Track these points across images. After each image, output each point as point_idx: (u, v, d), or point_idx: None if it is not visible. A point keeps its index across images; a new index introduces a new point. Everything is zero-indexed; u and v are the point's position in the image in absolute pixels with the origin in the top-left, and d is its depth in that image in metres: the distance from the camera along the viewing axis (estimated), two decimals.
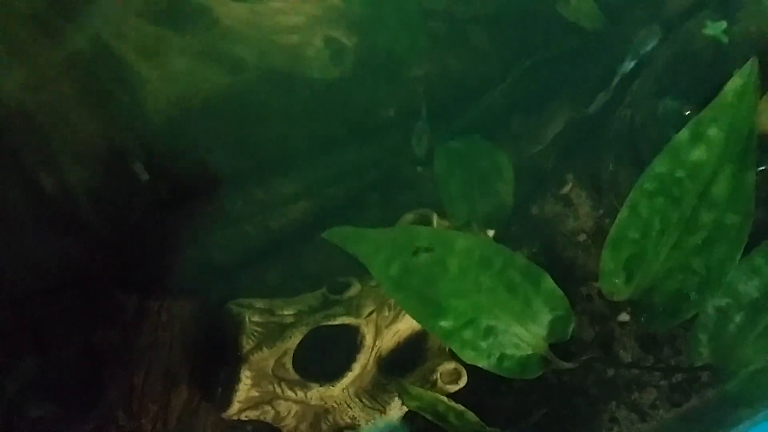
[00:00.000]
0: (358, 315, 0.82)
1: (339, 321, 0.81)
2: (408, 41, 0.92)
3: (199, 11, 0.83)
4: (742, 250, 0.62)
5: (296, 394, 0.78)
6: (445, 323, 0.64)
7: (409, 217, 0.88)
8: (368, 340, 0.82)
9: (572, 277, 0.91)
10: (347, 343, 0.82)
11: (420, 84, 0.97)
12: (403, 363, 0.86)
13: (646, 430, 0.84)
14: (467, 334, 0.64)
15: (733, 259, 0.62)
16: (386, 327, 0.84)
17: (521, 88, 0.98)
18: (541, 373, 0.66)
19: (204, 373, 0.82)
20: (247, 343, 0.79)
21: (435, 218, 0.87)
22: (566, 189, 0.98)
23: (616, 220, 0.64)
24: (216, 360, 0.82)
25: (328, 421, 0.81)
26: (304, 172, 0.98)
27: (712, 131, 0.60)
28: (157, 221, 0.86)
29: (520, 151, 0.97)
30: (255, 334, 0.80)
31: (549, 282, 0.66)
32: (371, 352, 0.82)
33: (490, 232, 0.87)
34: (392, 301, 0.84)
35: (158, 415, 0.79)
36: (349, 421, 0.81)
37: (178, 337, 0.81)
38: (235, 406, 0.79)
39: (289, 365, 0.79)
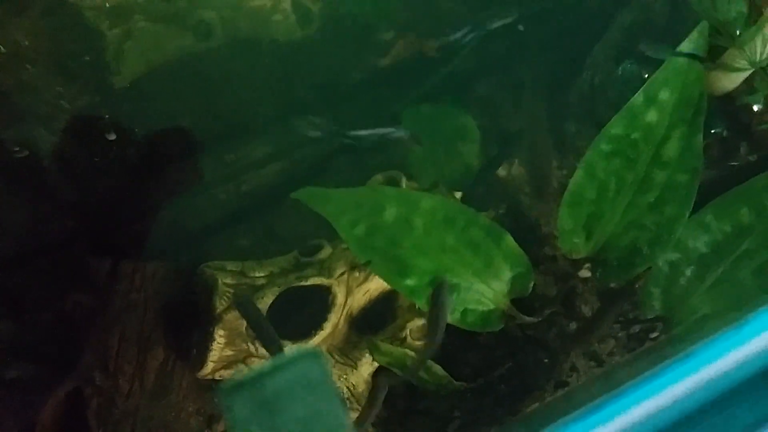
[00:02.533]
0: (329, 275, 0.84)
1: (310, 282, 0.83)
2: (373, 5, 0.93)
3: None
4: (691, 207, 0.65)
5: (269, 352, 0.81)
6: (410, 281, 0.66)
7: (379, 178, 0.90)
8: (339, 299, 0.84)
9: (537, 237, 0.94)
10: (319, 302, 0.84)
11: (387, 47, 0.98)
12: (374, 321, 0.89)
13: (601, 373, 0.88)
14: (429, 292, 0.67)
15: (683, 216, 0.65)
16: (357, 287, 0.86)
17: (488, 51, 0.99)
18: (502, 327, 0.69)
19: (178, 334, 0.84)
20: (219, 304, 0.81)
21: (404, 180, 0.89)
22: (538, 149, 1.00)
23: (572, 181, 0.67)
24: (190, 321, 0.84)
25: None
26: (274, 135, 0.99)
27: (664, 94, 0.63)
28: (128, 185, 0.87)
29: (487, 113, 0.99)
30: (227, 295, 0.82)
31: (510, 241, 0.69)
32: (342, 310, 0.85)
33: (458, 194, 0.89)
34: None
35: (134, 375, 0.81)
36: None
37: (151, 299, 0.83)
38: (209, 366, 0.81)
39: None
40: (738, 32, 0.61)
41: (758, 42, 0.59)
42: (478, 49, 0.98)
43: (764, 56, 0.61)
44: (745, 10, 0.60)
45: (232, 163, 0.98)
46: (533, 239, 0.95)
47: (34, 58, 0.86)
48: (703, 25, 0.62)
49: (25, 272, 0.83)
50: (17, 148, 0.79)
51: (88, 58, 0.86)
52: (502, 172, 0.99)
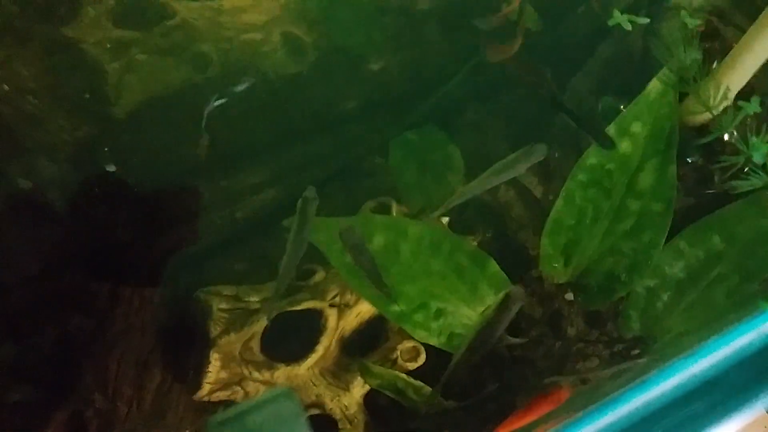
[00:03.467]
0: (322, 299, 0.87)
1: (303, 306, 0.86)
2: (363, 37, 0.96)
3: (162, 12, 0.86)
4: (666, 234, 0.68)
5: (263, 374, 0.83)
6: (397, 307, 0.69)
7: (370, 204, 0.93)
8: (331, 322, 0.87)
9: (523, 260, 0.97)
10: (312, 325, 0.87)
11: (378, 77, 1.02)
12: (365, 343, 0.91)
13: (584, 389, 0.90)
14: (419, 316, 0.70)
15: (658, 244, 0.68)
16: (349, 310, 0.89)
17: (474, 80, 1.03)
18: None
19: (175, 357, 0.87)
20: (214, 329, 0.84)
21: (394, 205, 0.92)
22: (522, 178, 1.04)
23: (553, 209, 0.70)
24: (186, 344, 0.86)
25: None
26: (269, 162, 1.02)
27: (636, 127, 0.66)
28: (127, 212, 0.90)
29: (474, 139, 1.02)
30: (222, 319, 0.85)
31: (493, 266, 0.72)
32: (334, 333, 0.88)
33: (445, 219, 0.92)
34: None
35: (133, 397, 0.84)
36: (314, 398, 0.86)
37: (149, 323, 0.86)
38: (206, 388, 0.84)
39: (256, 348, 0.84)
40: (694, 77, 0.64)
41: (711, 88, 0.63)
42: (466, 80, 1.01)
43: (717, 101, 0.64)
44: (699, 57, 0.63)
45: (227, 189, 1.01)
46: (520, 262, 0.98)
47: (37, 91, 0.89)
48: (664, 72, 0.65)
49: (27, 297, 0.85)
50: (21, 179, 0.82)
51: (88, 91, 0.89)
52: (487, 197, 1.02)
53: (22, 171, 0.84)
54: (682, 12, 0.70)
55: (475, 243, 0.91)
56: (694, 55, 0.62)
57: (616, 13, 0.65)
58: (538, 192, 1.02)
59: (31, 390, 0.82)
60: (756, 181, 0.59)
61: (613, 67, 0.86)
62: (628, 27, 0.64)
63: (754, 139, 0.58)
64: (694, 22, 0.66)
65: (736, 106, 0.71)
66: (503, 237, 1.01)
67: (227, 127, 1.01)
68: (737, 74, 0.65)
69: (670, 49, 0.64)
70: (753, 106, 0.64)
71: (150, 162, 0.95)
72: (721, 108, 0.66)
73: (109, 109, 0.92)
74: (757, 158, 0.58)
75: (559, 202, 0.70)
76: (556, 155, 1.01)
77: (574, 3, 0.96)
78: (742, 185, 0.60)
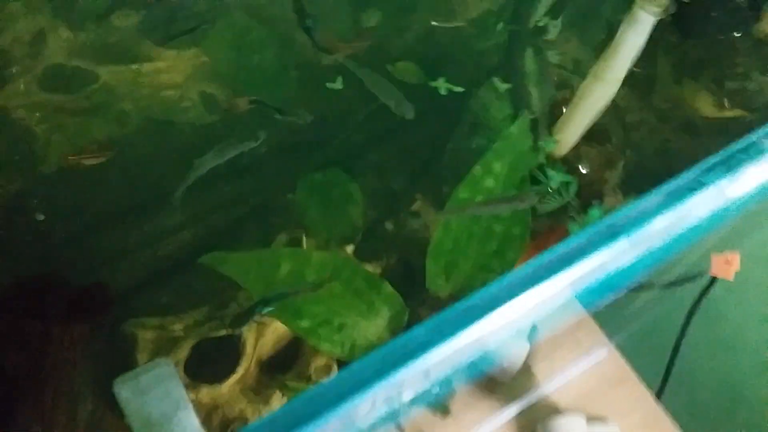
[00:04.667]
0: (238, 328, 0.97)
1: (222, 333, 0.96)
2: (271, 90, 1.08)
3: (85, 77, 0.96)
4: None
5: (188, 395, 0.92)
6: (303, 323, 0.80)
7: (283, 237, 1.04)
8: (249, 347, 0.97)
9: (417, 279, 1.09)
10: (231, 349, 0.97)
11: (287, 125, 1.13)
12: (283, 361, 1.01)
13: None
14: (323, 331, 0.81)
15: (518, 260, 0.81)
16: (266, 332, 0.99)
17: (373, 125, 1.16)
18: None
19: (106, 386, 0.94)
20: (141, 357, 0.92)
21: (304, 238, 1.03)
22: (416, 206, 1.17)
23: (434, 236, 0.83)
24: (115, 374, 0.94)
25: (218, 415, 0.95)
26: (186, 205, 1.12)
27: (497, 165, 0.80)
28: (56, 256, 0.98)
29: (375, 176, 1.15)
30: (148, 348, 0.93)
31: (387, 287, 0.84)
32: (252, 356, 0.97)
33: (349, 248, 1.04)
34: None
35: (67, 425, 0.91)
36: (237, 413, 0.95)
37: (80, 356, 0.93)
38: None
39: (181, 372, 0.93)
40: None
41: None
42: (365, 124, 1.14)
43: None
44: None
45: (149, 232, 1.10)
46: (419, 282, 1.10)
47: None
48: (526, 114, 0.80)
49: None
50: None
51: (18, 152, 0.98)
52: (390, 226, 1.15)
53: None
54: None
55: (379, 268, 1.04)
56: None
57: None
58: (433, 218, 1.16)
59: None
60: (554, 203, 0.74)
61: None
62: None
63: (551, 171, 0.73)
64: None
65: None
66: (406, 261, 1.13)
67: (146, 176, 1.10)
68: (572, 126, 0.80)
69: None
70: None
71: (77, 211, 1.03)
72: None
73: (39, 167, 1.01)
74: (553, 184, 0.73)
75: (438, 230, 0.83)
76: (446, 190, 1.15)
77: None
78: (545, 207, 0.75)
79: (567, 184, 0.79)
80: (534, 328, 1.12)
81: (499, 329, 0.42)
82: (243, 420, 0.96)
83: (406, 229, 1.16)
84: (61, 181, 1.01)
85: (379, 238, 1.14)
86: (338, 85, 1.20)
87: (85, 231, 1.02)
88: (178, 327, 0.96)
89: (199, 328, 0.97)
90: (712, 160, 0.40)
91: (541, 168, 0.76)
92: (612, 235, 0.40)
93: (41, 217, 0.94)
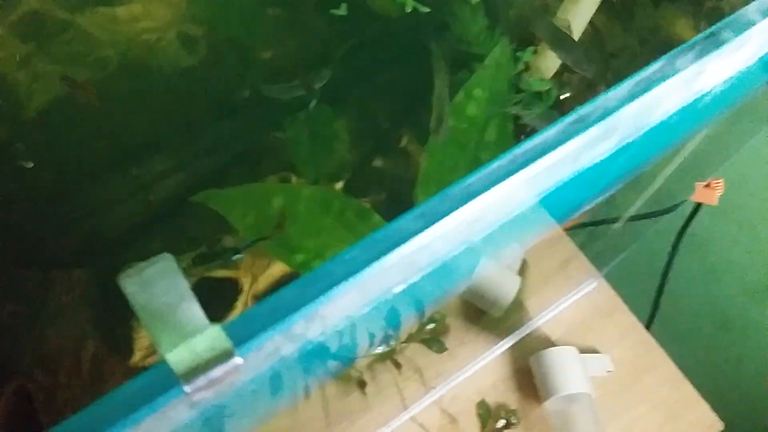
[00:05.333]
0: (235, 268, 0.99)
1: (218, 274, 0.98)
2: (249, 30, 1.08)
3: (62, 24, 0.95)
4: None
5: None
6: (298, 257, 0.82)
7: (273, 179, 1.05)
8: (245, 287, 0.99)
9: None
10: (227, 291, 0.99)
11: (268, 65, 1.13)
12: None
13: None
14: (316, 264, 0.83)
15: None
16: (261, 274, 1.01)
17: (354, 61, 1.16)
18: None
19: (107, 329, 0.97)
20: None
21: (294, 178, 1.04)
22: (403, 143, 1.18)
23: (422, 164, 0.84)
24: (115, 317, 0.96)
25: None
26: (174, 150, 1.12)
27: (478, 92, 0.81)
28: (47, 204, 0.99)
29: (359, 113, 1.15)
30: None
31: (378, 219, 0.86)
32: (247, 296, 1.00)
33: (338, 186, 1.05)
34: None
35: (71, 369, 0.93)
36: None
37: (80, 301, 0.95)
38: (137, 354, 0.94)
39: None
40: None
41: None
42: (346, 61, 1.14)
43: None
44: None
45: (138, 178, 1.11)
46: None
47: None
48: (503, 43, 0.81)
49: None
50: None
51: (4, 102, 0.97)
52: (377, 163, 1.16)
53: None
54: None
55: (368, 204, 1.05)
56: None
57: None
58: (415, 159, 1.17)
59: None
60: (537, 110, 0.75)
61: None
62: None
63: (529, 79, 0.74)
64: None
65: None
66: (395, 198, 1.15)
67: (132, 121, 1.10)
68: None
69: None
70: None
71: (64, 158, 1.03)
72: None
73: (22, 115, 1.00)
74: (536, 88, 0.74)
75: (425, 158, 0.84)
76: (432, 124, 1.15)
77: None
78: (528, 113, 0.76)
79: (547, 92, 0.79)
80: (524, 262, 1.14)
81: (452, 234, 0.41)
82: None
83: (393, 165, 1.17)
84: (47, 128, 1.00)
85: (367, 175, 1.15)
86: (316, 21, 1.19)
87: (74, 178, 1.02)
88: None
89: (194, 269, 0.98)
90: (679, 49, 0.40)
91: (519, 76, 0.77)
92: (580, 128, 0.40)
93: (30, 164, 0.94)
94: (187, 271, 0.99)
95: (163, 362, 0.31)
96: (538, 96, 0.75)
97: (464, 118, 0.82)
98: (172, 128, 1.14)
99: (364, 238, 0.34)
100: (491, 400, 1.12)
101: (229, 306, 0.97)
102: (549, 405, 1.07)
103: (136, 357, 0.95)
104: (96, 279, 0.97)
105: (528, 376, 1.13)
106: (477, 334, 1.15)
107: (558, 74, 0.96)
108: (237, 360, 0.32)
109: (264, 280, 1.02)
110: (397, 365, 1.08)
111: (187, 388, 0.31)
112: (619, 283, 1.26)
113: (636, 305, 1.25)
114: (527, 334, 1.18)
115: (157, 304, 0.32)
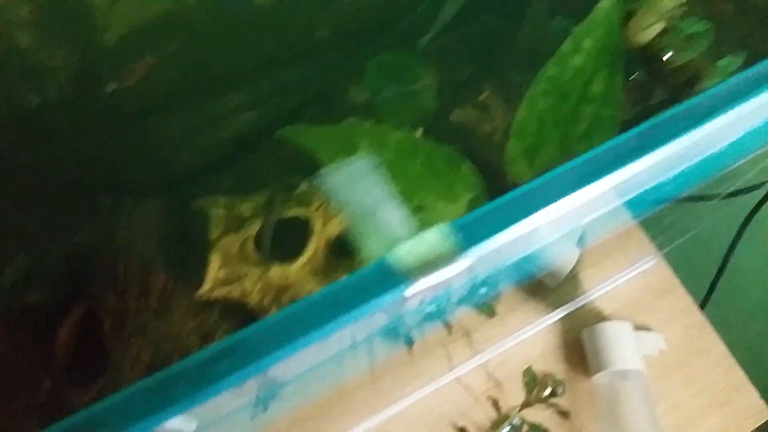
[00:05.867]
0: (308, 206, 0.96)
1: (291, 213, 0.96)
2: None
3: None
4: (613, 136, 0.79)
5: (260, 271, 0.93)
6: None
7: (350, 121, 1.02)
8: (317, 227, 0.97)
9: (494, 165, 1.07)
10: (300, 231, 0.97)
11: (348, 8, 1.09)
12: (348, 247, 1.01)
13: None
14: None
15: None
16: (332, 217, 0.99)
17: (437, 8, 1.11)
18: None
19: (177, 259, 0.95)
20: (213, 232, 0.93)
21: (371, 123, 1.01)
22: (483, 97, 1.14)
23: (517, 116, 0.80)
24: (186, 248, 0.95)
25: (288, 295, 0.96)
26: (248, 88, 1.10)
27: (587, 42, 0.76)
28: (126, 130, 0.97)
29: (440, 62, 1.11)
30: (220, 224, 0.93)
31: (468, 167, 0.82)
32: (321, 237, 0.97)
33: (419, 132, 1.02)
34: None
35: (140, 296, 0.92)
36: (306, 294, 0.96)
37: (152, 230, 0.94)
38: (206, 286, 0.93)
39: (251, 248, 0.94)
40: None
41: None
42: (430, 8, 1.10)
43: (668, 9, 0.74)
44: None
45: (211, 113, 1.09)
46: (491, 166, 1.08)
47: (29, 22, 0.94)
48: None
49: (37, 211, 0.92)
50: (29, 96, 0.88)
51: (79, 22, 0.95)
52: (455, 115, 1.12)
53: (26, 90, 0.90)
54: None
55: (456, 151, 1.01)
56: None
57: None
58: (501, 111, 1.13)
59: (47, 292, 0.90)
60: (690, 53, 0.69)
61: None
62: None
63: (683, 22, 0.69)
64: None
65: (675, 28, 0.82)
66: (471, 151, 1.11)
67: (208, 55, 1.07)
68: None
69: None
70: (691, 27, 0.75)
71: (142, 85, 1.01)
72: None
73: (101, 38, 0.98)
74: (687, 30, 0.68)
75: (522, 109, 0.80)
76: (518, 79, 1.11)
77: None
78: (683, 56, 0.71)
79: (699, 34, 0.74)
80: (584, 234, 1.11)
81: (551, 225, 0.40)
82: None
83: (481, 113, 1.13)
84: (125, 54, 0.98)
85: (452, 123, 1.12)
86: None
87: (151, 107, 1.00)
88: (246, 207, 0.96)
89: (267, 208, 0.96)
90: None
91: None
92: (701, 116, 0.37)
93: (113, 87, 0.92)
94: (259, 211, 0.98)
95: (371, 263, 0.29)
96: (690, 38, 0.70)
97: (568, 68, 0.78)
98: (247, 66, 1.11)
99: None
100: (538, 368, 1.10)
101: (301, 248, 0.95)
102: (598, 379, 1.04)
103: (206, 288, 0.93)
104: (168, 209, 0.96)
105: (578, 349, 1.11)
106: (528, 302, 1.13)
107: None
108: (464, 261, 0.30)
109: (336, 225, 1.00)
110: (447, 326, 1.06)
111: (409, 286, 0.30)
112: (678, 262, 1.23)
113: (692, 286, 1.22)
114: (580, 307, 1.16)
115: (361, 202, 0.30)
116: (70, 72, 0.96)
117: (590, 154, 0.38)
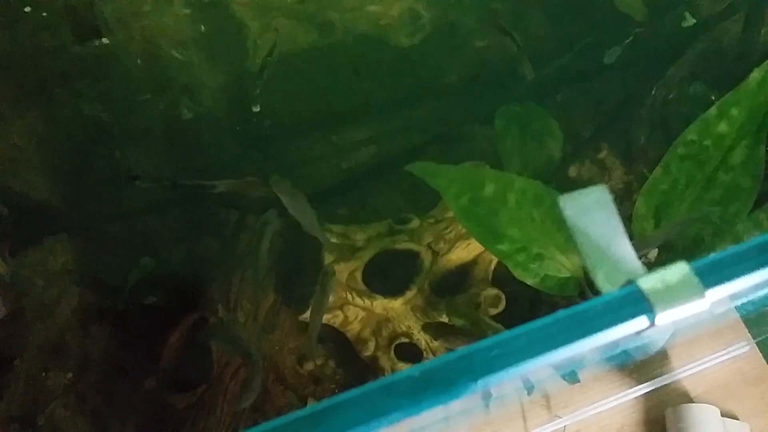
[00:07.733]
0: (419, 242, 0.97)
1: (403, 246, 0.97)
2: (474, 15, 1.06)
3: None
4: (750, 207, 0.76)
5: (363, 302, 0.94)
6: (502, 247, 0.79)
7: (468, 165, 1.02)
8: (426, 264, 0.97)
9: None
10: (407, 265, 0.98)
11: (480, 54, 1.11)
12: (451, 287, 1.01)
13: None
14: (520, 257, 0.79)
15: (743, 214, 0.76)
16: (441, 256, 1.00)
17: (572, 66, 1.12)
18: (576, 293, 0.81)
19: (287, 281, 0.98)
20: (327, 259, 0.95)
21: (487, 168, 1.01)
22: (602, 155, 1.13)
23: (651, 175, 0.79)
24: (298, 271, 0.97)
25: (388, 328, 0.96)
26: (375, 123, 1.13)
27: (735, 111, 0.74)
28: (257, 150, 1.02)
29: (564, 117, 1.11)
30: (334, 251, 0.95)
31: None
32: (428, 275, 0.98)
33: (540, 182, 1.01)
34: (447, 235, 0.99)
35: (250, 311, 0.95)
36: (404, 329, 0.96)
37: (269, 248, 0.97)
38: (307, 312, 0.94)
39: (359, 278, 0.95)
40: None
41: None
42: (564, 62, 1.10)
43: None
44: None
45: (336, 143, 1.12)
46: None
47: (185, 39, 1.01)
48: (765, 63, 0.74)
49: (164, 218, 0.98)
50: (185, 110, 0.94)
51: (230, 45, 1.01)
52: (573, 171, 1.12)
53: (183, 104, 0.96)
54: None
55: None
56: None
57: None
58: (619, 171, 1.11)
59: (164, 296, 0.94)
60: None
61: (706, 59, 0.94)
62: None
63: None
64: None
65: None
66: None
67: (343, 88, 1.11)
68: None
69: None
70: None
71: (279, 112, 1.06)
72: None
73: (247, 62, 1.04)
74: None
75: (657, 170, 0.78)
76: (642, 140, 1.09)
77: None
78: None
79: None
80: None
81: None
82: (408, 336, 0.96)
83: (588, 175, 1.12)
84: (266, 78, 1.03)
85: (576, 175, 1.11)
86: (539, 21, 1.16)
87: (283, 132, 1.04)
88: (360, 236, 0.98)
89: (380, 240, 0.97)
90: None
91: None
92: None
93: (257, 109, 0.96)
94: (372, 241, 0.99)
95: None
96: None
97: (710, 135, 0.76)
98: (376, 102, 1.14)
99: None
100: None
101: (410, 280, 0.96)
102: None
103: (306, 314, 0.95)
104: (286, 231, 0.99)
105: (659, 427, 1.05)
106: (614, 373, 1.09)
107: None
108: (706, 299, 0.31)
109: (443, 265, 1.00)
110: (528, 386, 1.04)
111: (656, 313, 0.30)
112: None
113: None
114: (665, 385, 1.10)
115: (593, 232, 0.31)
116: (223, 90, 1.02)
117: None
